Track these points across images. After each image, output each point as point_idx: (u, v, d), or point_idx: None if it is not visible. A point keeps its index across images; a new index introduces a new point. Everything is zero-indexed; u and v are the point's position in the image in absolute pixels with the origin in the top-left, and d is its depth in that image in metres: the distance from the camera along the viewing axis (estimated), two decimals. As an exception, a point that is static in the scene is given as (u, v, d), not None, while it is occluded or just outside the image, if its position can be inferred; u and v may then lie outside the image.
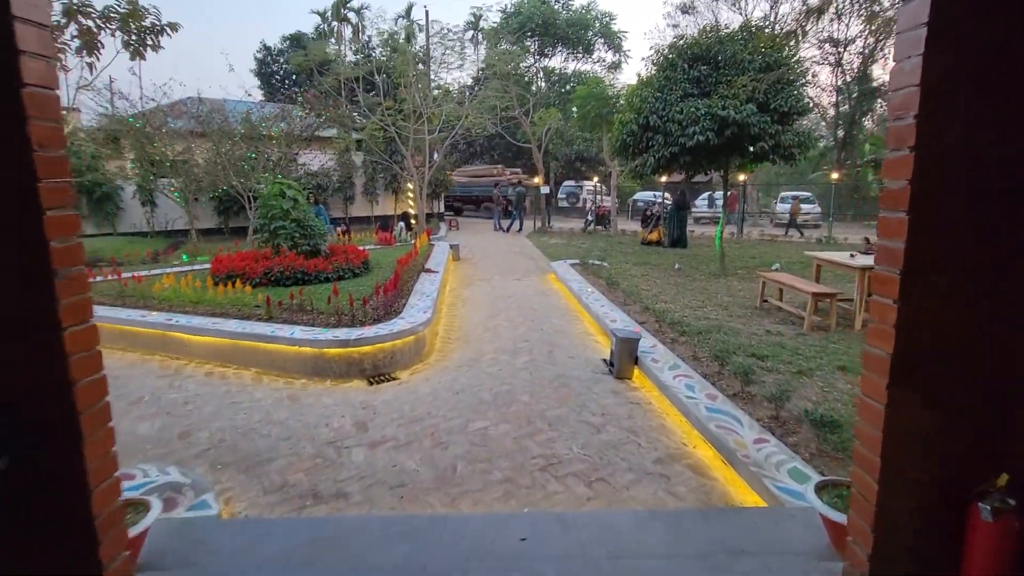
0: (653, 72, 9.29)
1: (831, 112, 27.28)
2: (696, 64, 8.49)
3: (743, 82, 7.40)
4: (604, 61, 31.03)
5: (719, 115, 7.65)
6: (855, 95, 25.86)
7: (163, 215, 15.68)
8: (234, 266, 7.20)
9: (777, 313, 6.68)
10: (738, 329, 5.88)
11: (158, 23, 11.05)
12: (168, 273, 7.66)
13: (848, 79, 25.10)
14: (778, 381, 4.35)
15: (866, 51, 24.14)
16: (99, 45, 9.87)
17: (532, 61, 31.12)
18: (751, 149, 8.08)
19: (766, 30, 8.41)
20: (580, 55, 31.22)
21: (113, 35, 10.19)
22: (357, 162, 19.25)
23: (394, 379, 4.85)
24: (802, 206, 22.25)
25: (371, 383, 4.76)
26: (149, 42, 10.62)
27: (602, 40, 30.71)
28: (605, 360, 5.15)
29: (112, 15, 10.11)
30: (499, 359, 5.21)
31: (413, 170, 14.96)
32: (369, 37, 27.99)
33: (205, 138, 13.31)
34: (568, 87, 30.39)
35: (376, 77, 17.10)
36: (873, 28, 23.41)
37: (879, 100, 28.00)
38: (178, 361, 5.35)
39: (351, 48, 31.71)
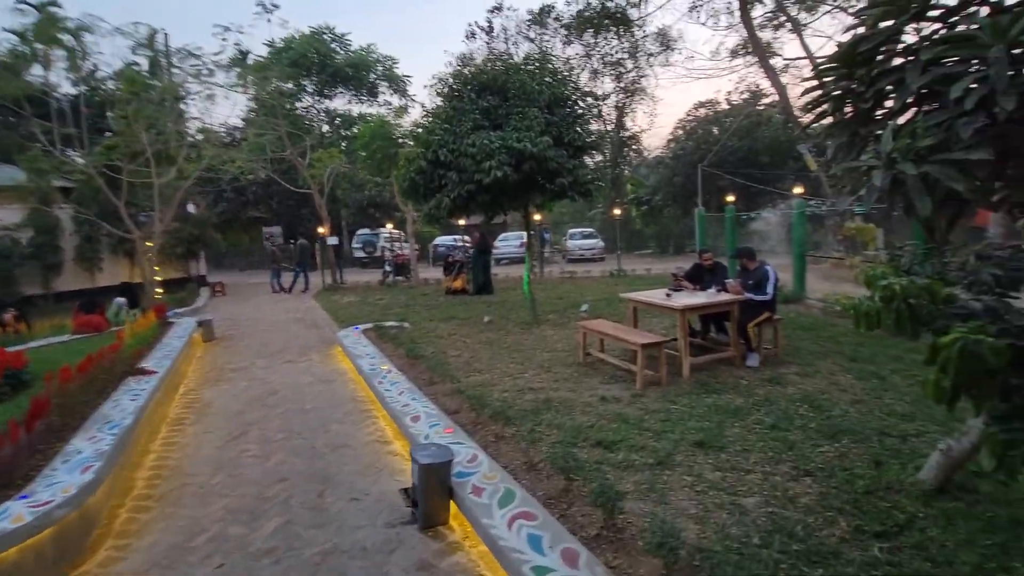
0: (439, 103, 8.20)
1: (599, 157, 30.71)
2: (484, 94, 7.63)
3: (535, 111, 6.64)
4: (391, 105, 30.09)
5: (515, 148, 6.80)
6: (615, 143, 29.55)
7: None
8: None
9: (603, 368, 5.83)
10: (570, 401, 4.76)
11: None
12: None
13: (608, 128, 28.48)
14: (640, 486, 3.19)
15: (619, 105, 27.73)
16: None
17: (311, 101, 28.61)
18: (550, 186, 7.41)
19: (549, 65, 7.92)
20: (364, 98, 29.78)
21: None
22: (64, 217, 14.31)
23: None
24: (572, 242, 23.83)
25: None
26: None
27: (387, 83, 29.82)
28: (406, 492, 3.44)
29: None
30: (227, 535, 3.08)
31: (132, 226, 11.37)
32: (95, 65, 22.32)
33: None
34: (355, 130, 28.54)
35: (84, 107, 13.02)
36: (622, 86, 27.11)
37: (631, 148, 32.60)
38: None
39: (69, 77, 25.01)
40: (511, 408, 4.55)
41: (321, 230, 15.77)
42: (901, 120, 2.97)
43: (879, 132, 2.93)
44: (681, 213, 24.65)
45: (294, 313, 11.67)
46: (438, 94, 8.29)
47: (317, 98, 29.13)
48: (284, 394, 5.76)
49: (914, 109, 2.95)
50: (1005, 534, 2.55)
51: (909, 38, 2.88)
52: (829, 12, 19.42)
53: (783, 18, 19.61)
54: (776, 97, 19.36)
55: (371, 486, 3.57)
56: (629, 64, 26.17)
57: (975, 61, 2.55)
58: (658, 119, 51.65)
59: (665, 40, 25.76)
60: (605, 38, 25.54)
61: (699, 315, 6.52)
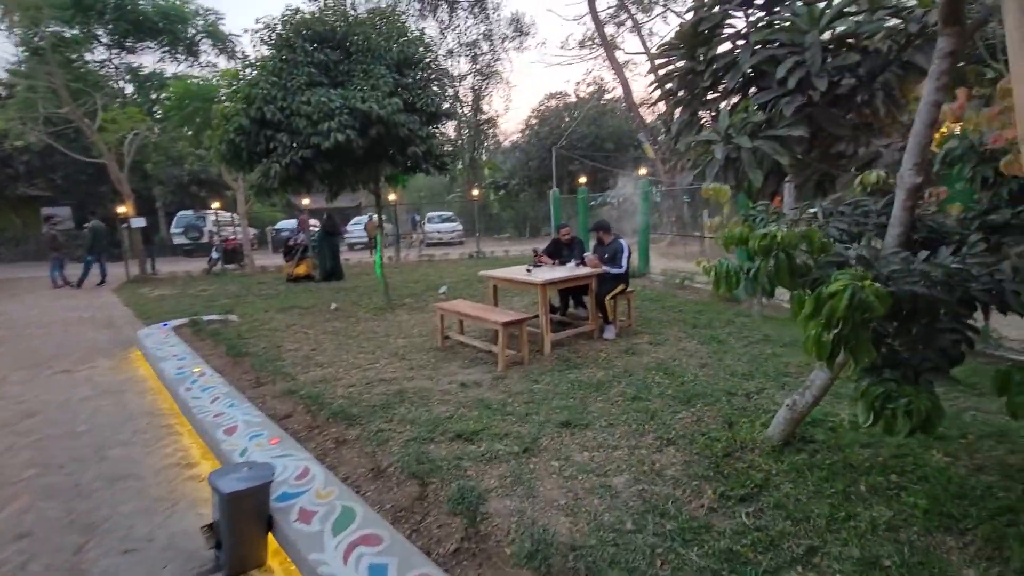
0: (265, 53, 6.95)
1: (457, 140, 30.19)
2: (321, 47, 6.60)
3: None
4: (215, 67, 26.03)
5: (359, 109, 5.96)
6: (472, 126, 29.28)
7: None
8: None
9: (463, 351, 5.41)
10: (426, 391, 4.25)
11: None
12: None
13: (466, 111, 28.08)
14: (505, 480, 2.82)
15: (476, 88, 27.44)
16: None
17: (107, 54, 23.58)
18: (401, 156, 6.71)
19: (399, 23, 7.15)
20: (182, 56, 25.31)
21: None
22: None
23: None
24: (431, 225, 23.26)
25: None
26: None
27: (210, 42, 25.66)
28: (209, 528, 2.63)
29: None
30: None
31: None
32: None
33: None
34: (171, 92, 24.17)
35: None
36: (478, 68, 26.85)
37: (488, 132, 32.66)
38: None
39: None
40: (356, 405, 3.89)
41: (122, 209, 12.90)
42: (734, 100, 3.17)
43: (715, 112, 3.13)
44: (536, 196, 25.32)
45: (81, 311, 9.32)
46: (263, 42, 7.03)
47: (116, 51, 24.04)
48: (47, 415, 4.34)
49: (740, 95, 3.12)
50: (844, 479, 2.66)
51: (740, 23, 3.08)
52: (662, 15, 21.39)
53: (625, 16, 20.97)
54: (620, 90, 20.71)
55: (158, 529, 2.68)
56: (485, 46, 26.01)
57: (794, 46, 2.74)
58: (513, 104, 52.82)
59: (519, 26, 26.06)
60: (460, 16, 25.00)
61: (558, 290, 6.43)
